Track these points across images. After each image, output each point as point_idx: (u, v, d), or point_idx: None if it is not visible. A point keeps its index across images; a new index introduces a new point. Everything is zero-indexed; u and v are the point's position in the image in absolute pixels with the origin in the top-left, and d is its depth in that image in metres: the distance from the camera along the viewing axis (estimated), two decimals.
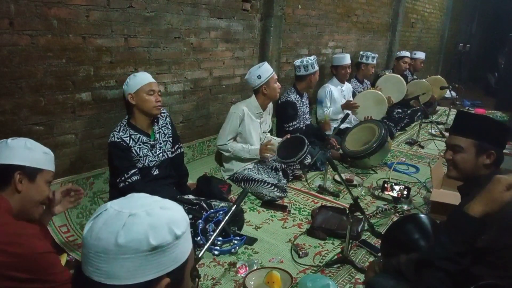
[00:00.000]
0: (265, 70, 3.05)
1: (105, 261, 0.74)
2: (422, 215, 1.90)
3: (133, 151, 2.32)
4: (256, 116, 3.14)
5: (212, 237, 1.70)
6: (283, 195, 2.94)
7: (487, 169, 1.54)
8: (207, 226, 2.20)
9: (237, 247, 2.21)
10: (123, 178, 2.26)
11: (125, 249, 0.74)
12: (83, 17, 2.24)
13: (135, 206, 0.79)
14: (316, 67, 3.70)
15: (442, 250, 1.34)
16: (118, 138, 2.27)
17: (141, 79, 2.29)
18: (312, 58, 3.70)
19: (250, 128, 3.10)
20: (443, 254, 1.33)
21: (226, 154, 3.11)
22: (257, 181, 2.94)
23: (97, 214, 0.79)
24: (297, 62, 3.74)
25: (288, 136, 3.21)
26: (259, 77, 3.03)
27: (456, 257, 1.31)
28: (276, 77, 3.11)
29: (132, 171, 2.28)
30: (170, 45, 2.82)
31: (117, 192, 2.32)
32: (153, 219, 0.77)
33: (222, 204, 2.44)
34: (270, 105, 3.32)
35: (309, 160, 3.37)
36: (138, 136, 2.34)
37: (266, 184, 2.90)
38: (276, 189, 2.89)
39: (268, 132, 3.41)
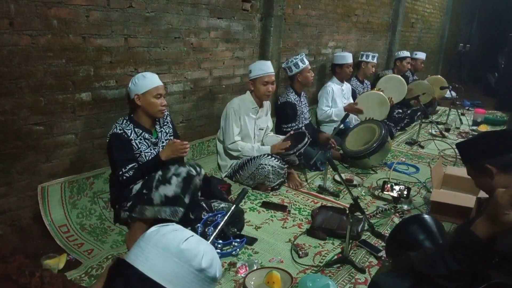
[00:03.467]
0: (257, 68, 3.06)
1: (158, 254, 0.84)
2: (425, 216, 1.90)
3: (134, 144, 2.30)
4: (252, 112, 3.16)
5: (211, 237, 1.69)
6: (282, 165, 2.97)
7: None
8: (206, 230, 2.20)
9: (238, 250, 2.20)
10: (120, 173, 2.24)
11: (181, 255, 0.84)
12: (83, 17, 2.24)
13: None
14: (306, 62, 3.67)
15: (444, 269, 1.24)
16: (120, 130, 2.26)
17: (151, 81, 2.29)
18: (299, 56, 3.69)
19: (246, 122, 3.13)
20: (444, 273, 1.24)
21: (235, 154, 3.12)
22: (254, 157, 3.00)
23: (166, 224, 0.92)
24: (284, 64, 3.76)
25: (292, 132, 3.27)
26: (249, 71, 3.10)
27: (457, 275, 1.23)
28: (266, 79, 3.04)
29: (130, 165, 2.25)
30: (170, 45, 2.81)
31: (117, 189, 2.31)
32: (210, 250, 0.89)
33: (223, 204, 2.43)
34: (268, 104, 3.32)
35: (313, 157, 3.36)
36: (140, 131, 2.34)
37: (263, 155, 2.96)
38: (274, 158, 2.94)
39: (270, 131, 3.42)
